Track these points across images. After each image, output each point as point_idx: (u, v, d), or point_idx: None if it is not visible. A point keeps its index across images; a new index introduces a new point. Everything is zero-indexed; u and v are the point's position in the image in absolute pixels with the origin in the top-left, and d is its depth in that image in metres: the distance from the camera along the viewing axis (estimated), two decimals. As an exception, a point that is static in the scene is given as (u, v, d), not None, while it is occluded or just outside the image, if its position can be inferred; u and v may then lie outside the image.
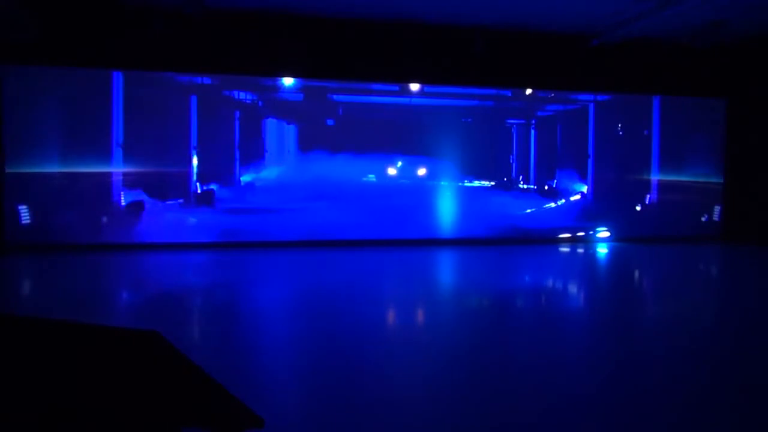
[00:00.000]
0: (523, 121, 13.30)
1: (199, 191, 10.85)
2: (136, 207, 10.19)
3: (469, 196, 11.89)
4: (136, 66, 9.43)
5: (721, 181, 11.80)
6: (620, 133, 12.05)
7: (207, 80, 11.03)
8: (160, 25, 8.78)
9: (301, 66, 9.80)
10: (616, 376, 3.65)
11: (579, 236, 11.58)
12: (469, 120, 12.01)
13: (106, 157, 9.89)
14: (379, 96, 13.72)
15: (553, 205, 12.25)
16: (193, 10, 8.68)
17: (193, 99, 10.80)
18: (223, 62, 9.53)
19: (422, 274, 8.07)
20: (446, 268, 8.96)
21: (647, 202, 12.07)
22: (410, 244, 10.64)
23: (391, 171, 11.76)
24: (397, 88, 11.50)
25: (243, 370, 3.65)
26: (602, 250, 10.46)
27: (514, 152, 13.23)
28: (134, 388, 1.24)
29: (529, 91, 11.66)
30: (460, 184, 11.81)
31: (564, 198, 12.36)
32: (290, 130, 12.10)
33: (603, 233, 11.57)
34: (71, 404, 1.25)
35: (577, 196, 12.33)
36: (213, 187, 10.98)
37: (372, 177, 11.53)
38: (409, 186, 11.59)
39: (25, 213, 11.58)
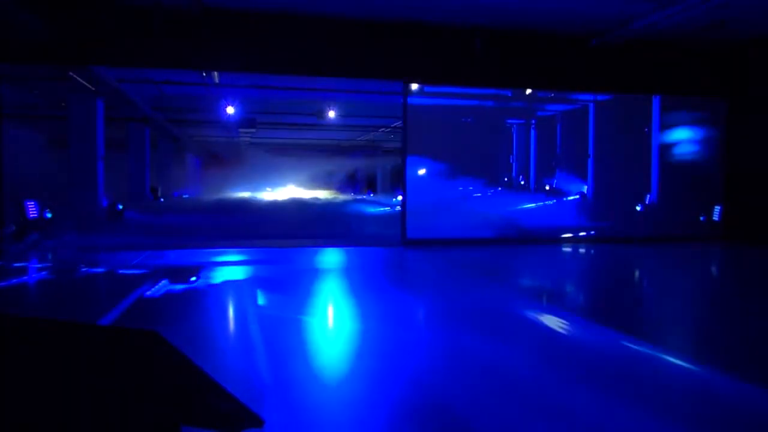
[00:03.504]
0: (523, 121, 13.31)
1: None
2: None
3: (466, 197, 11.88)
4: (136, 66, 9.45)
5: (721, 181, 11.80)
6: (620, 133, 12.04)
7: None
8: (160, 25, 8.78)
9: (301, 65, 9.80)
10: (619, 375, 3.65)
11: (579, 236, 11.58)
12: (469, 120, 12.00)
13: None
14: (379, 96, 13.68)
15: (548, 203, 12.26)
16: (192, 9, 8.68)
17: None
18: (223, 62, 9.52)
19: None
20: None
21: (647, 202, 12.08)
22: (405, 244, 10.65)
23: None
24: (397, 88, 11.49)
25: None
26: (602, 250, 10.45)
27: (514, 152, 13.23)
28: (134, 387, 1.24)
29: (529, 90, 11.65)
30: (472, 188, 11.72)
31: (561, 198, 12.36)
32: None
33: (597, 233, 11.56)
34: (71, 404, 1.26)
35: (576, 196, 12.34)
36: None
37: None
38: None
39: (33, 208, 11.75)
